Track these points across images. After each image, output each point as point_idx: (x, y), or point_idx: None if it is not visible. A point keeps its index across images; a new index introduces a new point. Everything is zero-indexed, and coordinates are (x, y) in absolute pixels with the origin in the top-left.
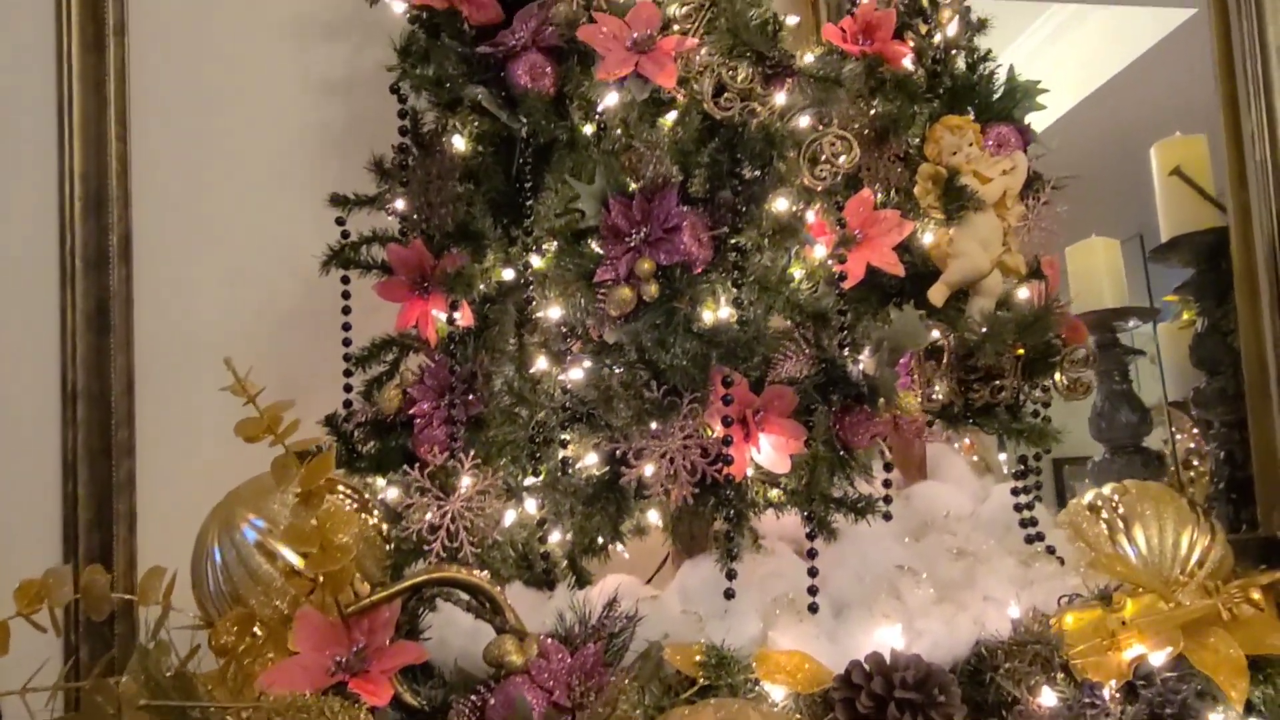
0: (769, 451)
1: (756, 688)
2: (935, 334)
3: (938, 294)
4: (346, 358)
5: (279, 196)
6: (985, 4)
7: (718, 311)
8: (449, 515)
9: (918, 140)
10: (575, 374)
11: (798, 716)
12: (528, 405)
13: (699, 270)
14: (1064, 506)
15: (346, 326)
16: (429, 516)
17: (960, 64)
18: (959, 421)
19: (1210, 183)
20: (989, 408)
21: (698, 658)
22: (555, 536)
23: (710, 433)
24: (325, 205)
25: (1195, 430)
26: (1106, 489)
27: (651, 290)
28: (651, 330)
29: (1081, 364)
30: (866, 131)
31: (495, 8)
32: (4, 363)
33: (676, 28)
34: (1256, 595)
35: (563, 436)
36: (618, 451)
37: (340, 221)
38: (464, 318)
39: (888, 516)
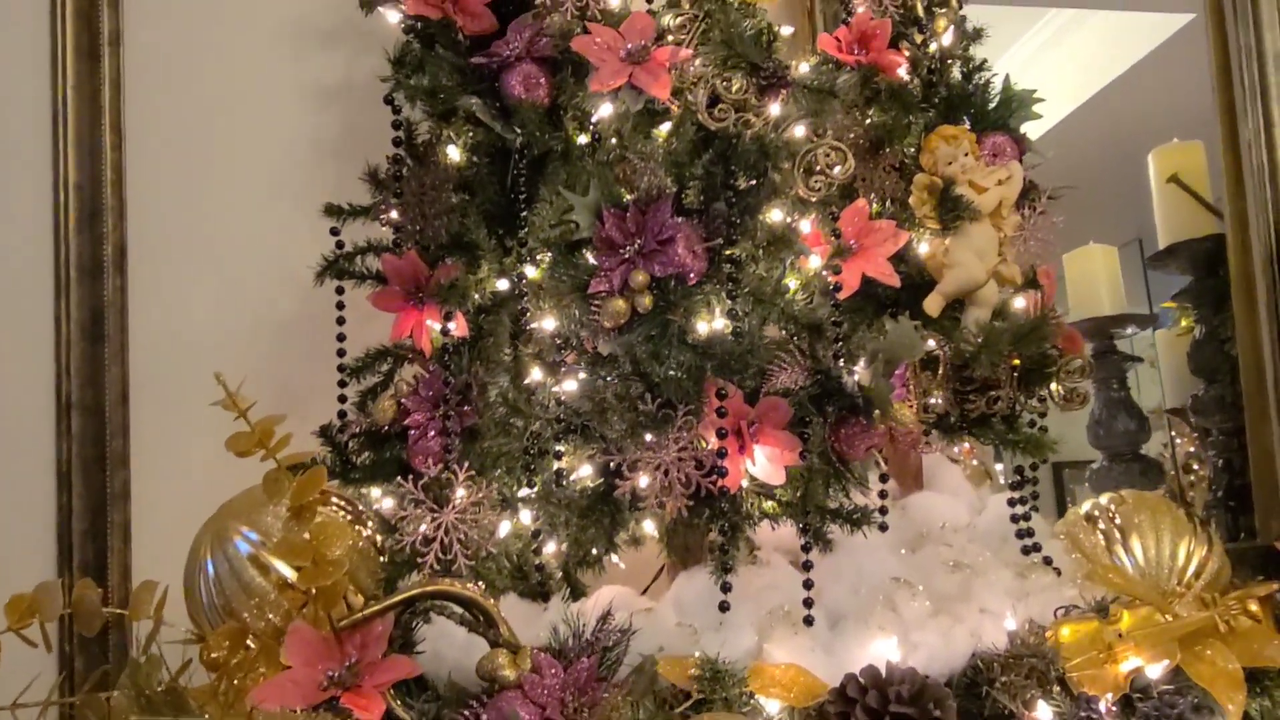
0: (764, 463)
1: (751, 701)
2: (931, 344)
3: (933, 304)
4: (341, 368)
5: (274, 207)
6: (982, 9)
7: (712, 323)
8: (443, 527)
9: (913, 150)
10: (570, 385)
11: None
12: (522, 416)
13: (693, 282)
14: (1064, 512)
15: (341, 337)
16: (423, 528)
17: (956, 73)
18: (955, 432)
19: (1208, 189)
20: (985, 418)
21: (692, 671)
22: (550, 548)
23: (705, 444)
24: (320, 215)
25: (1194, 434)
26: (1104, 499)
27: (646, 302)
28: (646, 342)
29: (1078, 374)
30: (861, 142)
31: (489, 18)
32: None
33: (671, 39)
34: (1254, 607)
35: (557, 448)
36: (612, 463)
37: (335, 231)
38: (458, 328)
39: (884, 527)
